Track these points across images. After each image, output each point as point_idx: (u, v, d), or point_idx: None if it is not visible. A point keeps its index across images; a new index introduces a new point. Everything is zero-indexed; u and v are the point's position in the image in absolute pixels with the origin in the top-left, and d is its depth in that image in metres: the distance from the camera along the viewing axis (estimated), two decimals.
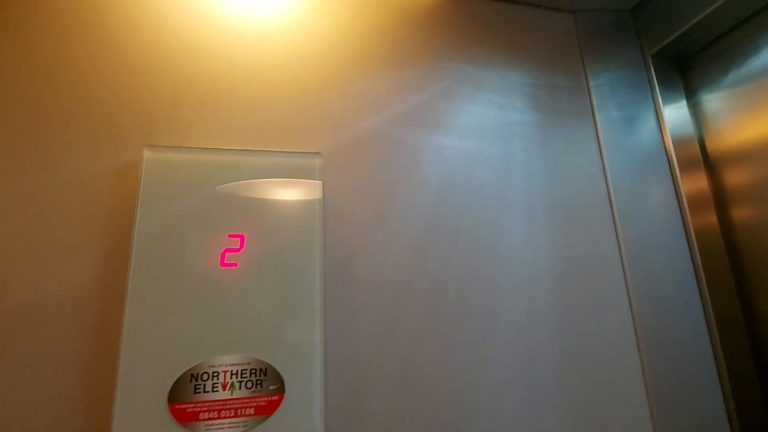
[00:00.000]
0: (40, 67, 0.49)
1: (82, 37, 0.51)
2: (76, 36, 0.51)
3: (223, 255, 0.44)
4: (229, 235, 0.44)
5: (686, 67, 0.71)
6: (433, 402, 0.49)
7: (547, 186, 0.62)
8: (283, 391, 0.41)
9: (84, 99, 0.49)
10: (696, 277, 0.62)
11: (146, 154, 0.45)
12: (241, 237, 0.45)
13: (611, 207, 0.63)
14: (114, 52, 0.52)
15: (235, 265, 0.44)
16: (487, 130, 0.62)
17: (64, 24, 0.51)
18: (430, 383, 0.49)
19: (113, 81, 0.51)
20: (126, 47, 0.52)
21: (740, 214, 0.63)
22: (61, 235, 0.44)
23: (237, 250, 0.44)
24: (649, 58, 0.71)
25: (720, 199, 0.66)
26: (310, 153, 0.51)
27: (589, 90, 0.68)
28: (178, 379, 0.39)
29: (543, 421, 0.51)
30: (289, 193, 0.48)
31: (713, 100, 0.67)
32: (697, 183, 0.66)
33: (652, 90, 0.70)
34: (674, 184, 0.66)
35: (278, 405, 0.41)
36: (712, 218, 0.65)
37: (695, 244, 0.63)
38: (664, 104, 0.69)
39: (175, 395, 0.39)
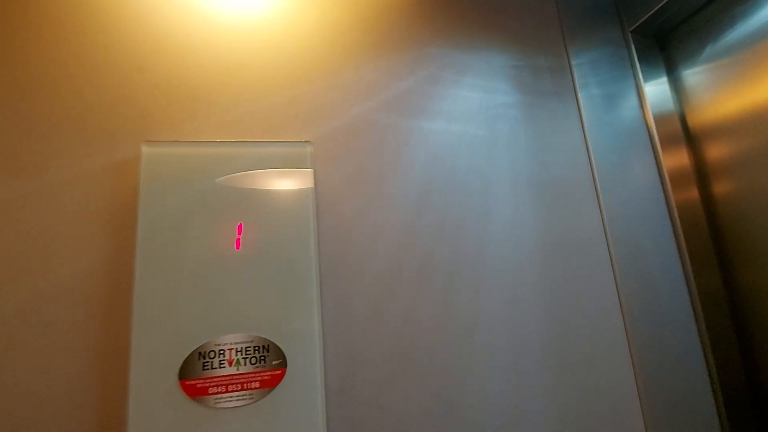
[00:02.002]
0: (35, 68, 0.51)
1: (75, 37, 0.53)
2: (69, 37, 0.53)
3: (223, 242, 0.46)
4: (228, 223, 0.47)
5: (666, 42, 0.73)
6: (426, 374, 0.52)
7: (532, 165, 0.64)
8: (286, 366, 0.44)
9: (79, 99, 0.51)
10: (679, 251, 0.64)
11: (144, 149, 0.47)
12: (239, 225, 0.47)
13: (595, 184, 0.65)
14: (107, 52, 0.53)
15: (235, 250, 0.46)
16: (472, 114, 0.64)
17: (56, 25, 0.53)
18: (422, 356, 0.52)
19: (107, 80, 0.52)
20: (118, 47, 0.54)
21: (721, 188, 0.65)
22: (66, 230, 0.47)
23: (236, 237, 0.47)
24: (629, 35, 0.73)
25: (701, 173, 0.68)
26: (301, 142, 0.53)
27: (571, 69, 0.70)
28: (186, 358, 0.42)
29: (530, 390, 0.54)
30: (282, 181, 0.50)
31: (693, 75, 0.69)
32: (679, 158, 0.68)
33: (633, 67, 0.72)
34: (656, 160, 0.68)
35: (281, 378, 0.44)
36: (693, 193, 0.67)
37: (677, 219, 0.65)
38: (644, 80, 0.71)
39: (185, 373, 0.42)
